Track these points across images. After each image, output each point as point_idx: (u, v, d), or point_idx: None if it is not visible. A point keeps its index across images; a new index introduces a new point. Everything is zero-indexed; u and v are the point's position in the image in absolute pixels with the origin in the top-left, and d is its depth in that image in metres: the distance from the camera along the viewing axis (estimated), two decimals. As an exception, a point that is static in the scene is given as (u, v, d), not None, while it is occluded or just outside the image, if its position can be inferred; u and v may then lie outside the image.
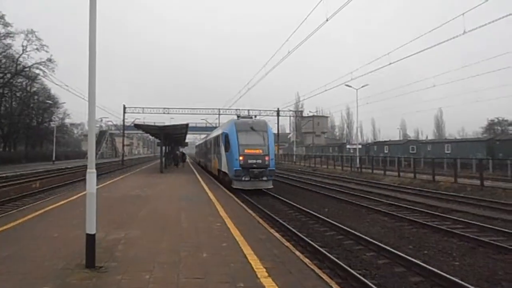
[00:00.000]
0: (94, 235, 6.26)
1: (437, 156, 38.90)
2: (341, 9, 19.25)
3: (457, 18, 20.69)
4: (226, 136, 23.13)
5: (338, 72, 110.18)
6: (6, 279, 5.57)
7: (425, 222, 13.41)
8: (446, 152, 46.34)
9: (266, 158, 22.06)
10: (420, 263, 8.48)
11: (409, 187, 25.31)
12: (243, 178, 21.58)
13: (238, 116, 25.92)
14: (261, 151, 22.13)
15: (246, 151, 21.84)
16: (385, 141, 70.19)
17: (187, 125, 34.01)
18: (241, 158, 21.68)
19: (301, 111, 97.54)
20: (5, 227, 9.37)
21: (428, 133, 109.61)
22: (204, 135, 49.14)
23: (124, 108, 64.05)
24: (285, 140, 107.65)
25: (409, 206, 17.08)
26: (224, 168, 23.71)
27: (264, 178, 21.88)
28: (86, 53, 6.40)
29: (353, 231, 11.79)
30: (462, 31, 20.68)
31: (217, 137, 27.76)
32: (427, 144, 54.36)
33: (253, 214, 12.37)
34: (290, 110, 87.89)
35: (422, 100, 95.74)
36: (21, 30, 50.15)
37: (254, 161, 21.76)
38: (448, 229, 12.21)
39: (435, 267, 8.24)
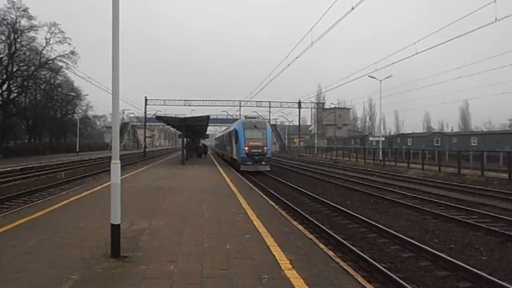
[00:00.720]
0: (119, 225, 6.30)
1: (462, 149, 38.08)
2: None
3: (488, 5, 20.03)
4: (236, 132, 31.59)
5: (361, 63, 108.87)
6: (35, 268, 5.65)
7: (450, 216, 13.13)
8: (472, 144, 45.32)
9: (265, 148, 30.13)
10: (446, 257, 8.30)
11: (433, 180, 24.87)
12: (247, 163, 29.55)
13: (246, 117, 34.34)
14: (261, 143, 30.13)
15: (250, 143, 29.74)
16: (408, 134, 69.20)
17: (208, 117, 34.09)
18: (246, 148, 29.63)
19: (323, 103, 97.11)
20: (32, 216, 9.56)
21: (453, 125, 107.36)
22: (225, 127, 54.75)
23: (146, 100, 64.81)
24: (306, 132, 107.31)
25: (433, 200, 16.76)
26: (235, 156, 32.06)
27: (263, 163, 30.00)
28: (108, 44, 6.40)
29: (376, 224, 11.64)
30: (493, 18, 20.06)
31: (230, 133, 36.82)
32: (452, 137, 53.31)
33: (275, 206, 12.34)
34: (312, 102, 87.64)
35: (447, 91, 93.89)
36: (44, 23, 50.83)
37: (256, 150, 29.72)
38: (475, 223, 11.93)
39: (461, 261, 8.05)
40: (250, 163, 29.60)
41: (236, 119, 53.97)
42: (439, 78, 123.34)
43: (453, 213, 13.85)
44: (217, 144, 66.13)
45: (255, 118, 34.64)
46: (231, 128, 36.28)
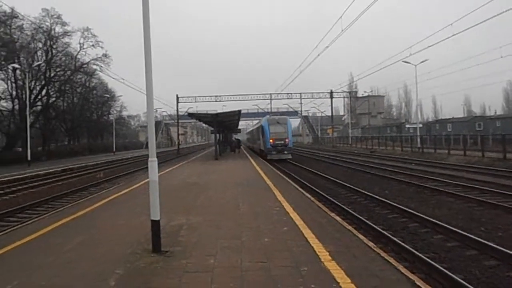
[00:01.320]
0: (158, 221, 6.40)
1: (507, 133, 36.62)
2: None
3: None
4: (262, 128, 38.18)
5: (395, 48, 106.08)
6: (81, 264, 5.85)
7: (497, 203, 12.58)
8: (519, 127, 43.53)
9: (286, 140, 36.15)
10: (495, 246, 7.96)
11: (476, 166, 24.07)
12: (273, 152, 35.55)
13: (270, 115, 43.97)
14: (283, 136, 36.21)
15: (274, 136, 35.96)
16: (448, 119, 67.16)
17: (239, 111, 34.18)
18: (271, 140, 35.87)
19: (355, 92, 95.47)
20: (75, 215, 9.87)
21: (496, 108, 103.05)
22: (256, 121, 57.92)
23: (177, 98, 65.49)
24: (339, 122, 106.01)
25: (478, 186, 16.11)
26: (262, 147, 38.50)
27: (285, 152, 35.80)
28: (138, 45, 6.48)
29: (417, 213, 11.34)
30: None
31: (257, 128, 44.58)
32: (495, 120, 51.36)
33: (312, 198, 12.23)
34: (344, 91, 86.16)
35: (488, 73, 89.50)
36: (77, 28, 52.22)
37: (279, 142, 35.77)
38: (524, 210, 11.45)
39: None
40: (275, 153, 35.70)
41: (267, 112, 62.46)
42: (479, 59, 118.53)
43: (500, 200, 13.26)
44: (248, 138, 72.26)
45: (277, 115, 45.08)
46: (258, 125, 44.11)
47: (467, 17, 26.18)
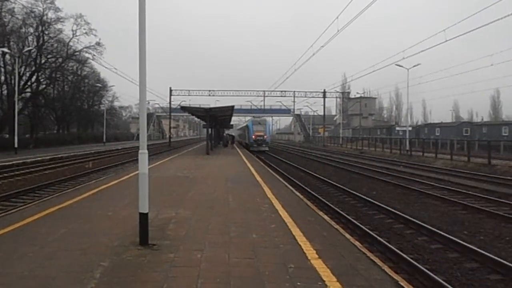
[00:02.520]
0: (147, 214, 6.38)
1: (493, 139, 37.12)
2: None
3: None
4: (247, 127, 51.38)
5: (388, 52, 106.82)
6: (66, 255, 5.79)
7: (480, 207, 12.85)
8: (503, 134, 44.21)
9: (265, 136, 48.72)
10: (476, 249, 8.13)
11: (462, 170, 24.39)
12: (254, 145, 47.61)
13: (253, 117, 57.15)
14: (262, 133, 48.36)
15: (255, 133, 48.01)
16: (436, 123, 67.84)
17: (232, 107, 34.19)
18: (253, 136, 47.99)
19: (348, 93, 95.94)
20: (62, 205, 9.78)
21: (483, 115, 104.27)
22: (249, 117, 64.82)
23: (171, 90, 65.30)
24: (331, 122, 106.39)
25: (462, 190, 16.40)
26: (247, 141, 51.49)
27: (263, 145, 48.07)
28: (132, 35, 6.46)
29: (403, 215, 11.50)
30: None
31: (244, 127, 59.30)
32: (482, 126, 52.08)
33: (301, 196, 12.30)
34: (337, 92, 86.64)
35: (477, 80, 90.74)
36: (70, 15, 51.56)
37: (259, 138, 47.87)
38: (506, 215, 11.67)
39: (492, 253, 7.88)
40: (256, 146, 47.62)
41: (260, 109, 78.64)
42: (469, 66, 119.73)
43: (483, 204, 13.55)
44: (238, 134, 77.43)
45: (259, 117, 57.59)
46: (245, 124, 60.72)
47: (459, 24, 26.53)
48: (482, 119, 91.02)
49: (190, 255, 5.84)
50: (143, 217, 6.35)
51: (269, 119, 70.00)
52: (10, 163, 24.19)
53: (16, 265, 5.32)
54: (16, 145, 34.70)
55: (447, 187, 17.56)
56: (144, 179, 6.43)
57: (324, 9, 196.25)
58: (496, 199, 14.47)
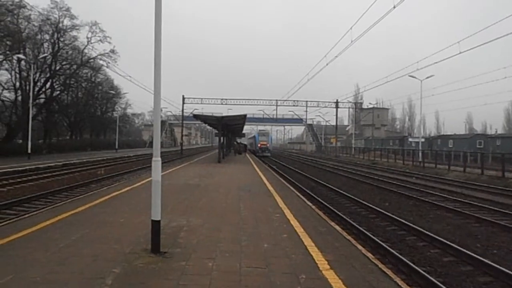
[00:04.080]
0: (159, 221, 6.38)
1: (507, 152, 36.67)
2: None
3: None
4: (254, 137, 70.07)
5: (401, 62, 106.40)
6: (78, 261, 5.81)
7: (494, 220, 12.70)
8: (518, 147, 43.61)
9: (267, 145, 65.48)
10: (490, 263, 8.03)
11: (475, 183, 24.10)
12: (259, 152, 61.92)
13: (260, 130, 77.50)
14: (266, 143, 65.00)
15: (260, 143, 64.26)
16: (449, 135, 67.24)
17: (245, 116, 34.20)
18: (259, 145, 64.08)
19: (361, 103, 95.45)
20: (74, 211, 9.84)
21: (497, 127, 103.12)
22: (261, 126, 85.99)
23: (183, 98, 65.63)
24: (343, 132, 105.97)
25: (476, 203, 16.23)
26: (254, 148, 66.97)
27: (266, 152, 62.91)
28: (146, 44, 6.53)
29: (416, 227, 11.39)
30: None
31: (252, 137, 75.39)
32: (496, 139, 51.50)
33: (313, 206, 12.23)
34: (349, 102, 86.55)
35: (491, 92, 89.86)
36: (85, 23, 52.24)
37: (263, 146, 63.68)
38: (520, 229, 11.50)
39: (506, 267, 7.75)
40: (260, 152, 61.92)
41: (273, 118, 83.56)
42: (483, 78, 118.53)
43: (497, 218, 13.39)
44: (249, 143, 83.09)
45: (264, 130, 76.87)
46: (253, 135, 78.22)
47: (474, 36, 26.39)
48: (496, 131, 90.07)
49: (202, 263, 5.83)
50: (155, 224, 6.35)
51: (275, 130, 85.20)
52: (23, 168, 24.45)
53: (28, 270, 5.33)
54: (29, 150, 35.04)
55: (460, 199, 17.37)
56: (157, 187, 6.45)
57: (336, 19, 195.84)
58: (510, 212, 14.27)
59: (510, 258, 9.01)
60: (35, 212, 10.37)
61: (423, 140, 52.49)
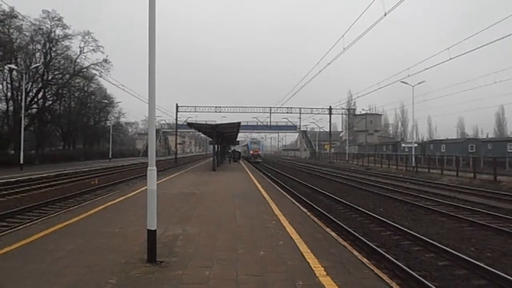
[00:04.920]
0: (155, 230, 6.39)
1: (498, 156, 37.00)
2: (401, 2, 18.74)
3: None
4: (247, 145, 79.07)
5: (394, 69, 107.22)
6: (73, 272, 5.78)
7: (487, 224, 12.78)
8: (509, 151, 44.08)
9: (259, 152, 74.76)
10: (484, 266, 8.08)
11: (468, 187, 24.24)
12: (251, 158, 68.58)
13: (252, 139, 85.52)
14: (258, 150, 73.34)
15: (252, 150, 72.03)
16: (442, 140, 67.82)
17: (239, 123, 34.22)
18: (251, 152, 71.65)
19: (354, 109, 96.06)
20: (69, 221, 9.79)
21: (488, 131, 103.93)
22: (256, 134, 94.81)
23: (177, 107, 65.60)
24: (337, 138, 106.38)
25: (469, 207, 16.34)
26: (247, 155, 74.27)
27: (258, 158, 69.48)
28: (139, 53, 6.57)
29: (410, 232, 11.43)
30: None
31: (245, 145, 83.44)
32: (487, 143, 52.01)
33: (308, 213, 12.28)
34: (343, 108, 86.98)
35: (482, 97, 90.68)
36: (78, 32, 52.07)
37: (255, 153, 71.19)
38: (513, 231, 11.59)
39: (500, 270, 7.81)
40: (253, 158, 67.63)
41: (267, 125, 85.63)
42: (474, 83, 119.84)
43: (490, 221, 13.48)
44: (242, 150, 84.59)
45: (255, 139, 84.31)
46: (245, 143, 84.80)
47: (463, 42, 26.76)
48: (487, 135, 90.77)
49: (198, 272, 5.84)
50: (151, 234, 6.35)
51: (269, 137, 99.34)
52: (15, 179, 24.26)
53: (23, 282, 5.32)
54: (21, 161, 34.78)
55: (454, 203, 17.48)
56: (152, 196, 6.46)
57: (332, 27, 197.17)
58: (503, 215, 14.38)
59: (503, 261, 9.07)
60: (28, 224, 10.28)
61: (416, 145, 52.89)
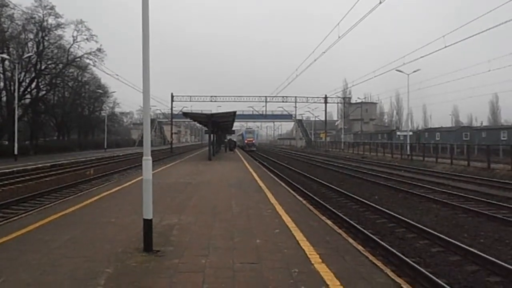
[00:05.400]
0: (151, 220, 6.39)
1: (492, 143, 37.21)
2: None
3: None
4: (242, 134, 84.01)
5: (389, 57, 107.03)
6: (70, 262, 5.79)
7: (480, 211, 12.90)
8: (502, 139, 44.34)
9: (254, 141, 79.41)
10: (477, 252, 8.18)
11: (462, 174, 24.44)
12: (246, 147, 72.42)
13: (247, 128, 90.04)
14: (252, 139, 78.36)
15: (247, 139, 77.28)
16: (436, 128, 68.06)
17: (234, 113, 34.21)
18: (246, 141, 76.83)
19: (349, 98, 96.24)
20: (65, 212, 9.80)
21: (482, 119, 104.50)
22: (251, 123, 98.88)
23: (172, 96, 65.33)
24: (332, 127, 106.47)
25: (463, 194, 16.47)
26: (242, 144, 77.83)
27: (253, 147, 73.74)
28: (134, 43, 6.52)
29: (405, 219, 11.53)
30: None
31: (241, 134, 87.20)
32: (481, 131, 52.27)
33: (303, 201, 12.35)
34: (338, 97, 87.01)
35: (476, 85, 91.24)
36: (71, 21, 51.18)
37: (250, 142, 76.59)
38: (505, 218, 11.69)
39: (492, 256, 7.91)
40: (247, 147, 71.05)
41: (262, 115, 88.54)
42: (468, 72, 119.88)
43: (483, 208, 13.61)
44: (238, 140, 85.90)
45: (250, 128, 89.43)
46: (241, 132, 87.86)
47: (458, 30, 26.77)
48: (482, 123, 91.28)
49: (195, 260, 5.87)
50: (147, 223, 6.36)
51: (265, 126, 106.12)
52: (10, 170, 24.16)
53: (20, 273, 5.32)
54: (16, 152, 34.55)
55: (448, 191, 17.61)
56: (148, 186, 6.47)
57: (327, 18, 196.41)
58: (496, 202, 14.54)
59: (496, 247, 9.19)
60: (24, 214, 10.30)
61: (411, 133, 53.07)
